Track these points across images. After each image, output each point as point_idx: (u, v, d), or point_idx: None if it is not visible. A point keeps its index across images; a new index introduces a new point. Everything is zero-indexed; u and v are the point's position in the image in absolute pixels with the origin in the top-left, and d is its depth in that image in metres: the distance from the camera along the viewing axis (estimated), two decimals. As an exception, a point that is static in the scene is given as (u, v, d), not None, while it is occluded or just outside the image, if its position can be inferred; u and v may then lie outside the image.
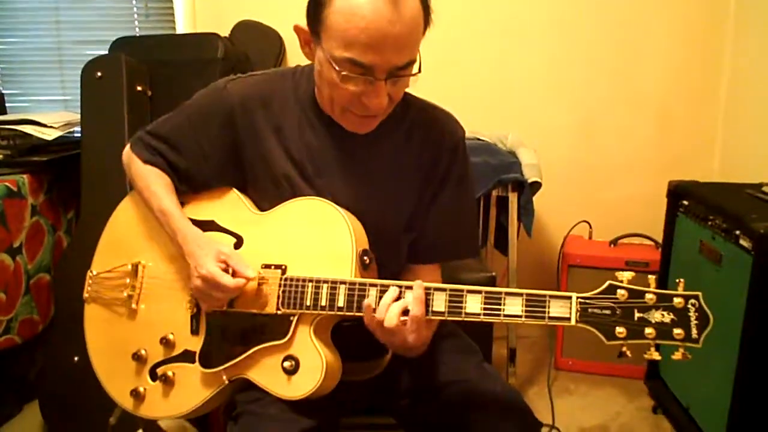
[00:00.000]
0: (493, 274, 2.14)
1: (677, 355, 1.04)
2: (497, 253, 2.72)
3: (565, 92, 2.91)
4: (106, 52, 2.49)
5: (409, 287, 1.14)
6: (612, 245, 2.72)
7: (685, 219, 2.21)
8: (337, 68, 1.11)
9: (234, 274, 1.22)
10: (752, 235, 1.77)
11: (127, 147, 1.42)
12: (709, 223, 2.02)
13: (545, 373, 2.71)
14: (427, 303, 1.13)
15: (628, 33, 2.85)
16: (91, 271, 1.45)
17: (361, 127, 1.23)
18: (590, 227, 2.85)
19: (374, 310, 1.14)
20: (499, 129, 2.70)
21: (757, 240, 1.75)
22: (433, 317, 1.13)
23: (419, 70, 1.16)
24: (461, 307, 1.12)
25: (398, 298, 1.14)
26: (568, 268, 2.67)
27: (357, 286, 1.17)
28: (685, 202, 2.22)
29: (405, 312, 1.13)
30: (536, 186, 2.40)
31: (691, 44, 2.85)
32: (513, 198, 2.42)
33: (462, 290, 1.12)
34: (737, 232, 1.85)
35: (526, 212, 2.41)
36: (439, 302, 1.13)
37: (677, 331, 1.03)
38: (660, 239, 2.43)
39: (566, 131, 2.95)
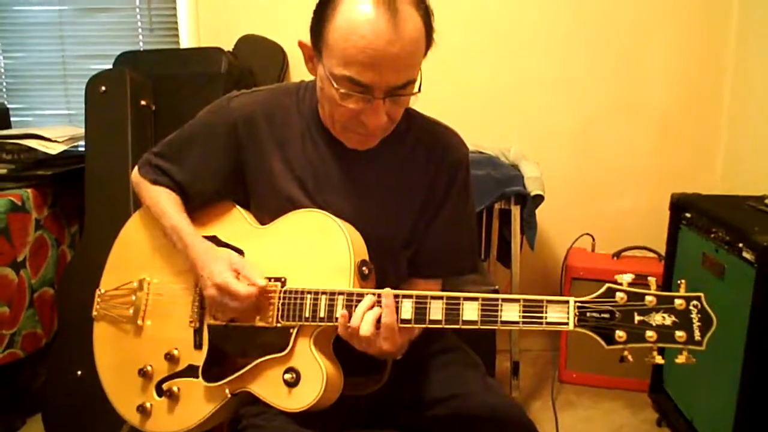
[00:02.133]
0: (497, 287, 2.14)
1: (681, 359, 1.01)
2: (500, 266, 2.72)
3: (567, 105, 2.91)
4: (110, 67, 2.50)
5: (408, 296, 1.14)
6: (615, 258, 2.71)
7: (688, 231, 2.21)
8: (335, 86, 1.12)
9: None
10: (755, 247, 1.77)
11: (135, 170, 1.44)
12: (712, 235, 2.02)
13: (549, 386, 2.70)
14: (424, 311, 1.13)
15: (629, 45, 2.86)
16: (100, 290, 1.46)
17: (361, 144, 1.24)
18: (593, 240, 2.85)
19: (350, 319, 1.15)
20: (502, 142, 2.71)
21: (761, 252, 1.75)
22: (430, 326, 1.13)
23: (419, 90, 1.17)
24: (458, 315, 1.11)
25: (373, 307, 1.14)
26: (571, 281, 2.67)
27: (355, 297, 1.17)
28: (688, 215, 2.22)
29: (379, 320, 1.13)
30: (539, 199, 2.40)
31: (693, 56, 2.85)
32: (516, 211, 2.42)
33: (459, 298, 1.12)
34: (740, 245, 1.85)
35: (529, 225, 2.41)
36: (436, 310, 1.12)
37: (679, 334, 1.01)
38: (663, 252, 2.43)
39: (568, 144, 2.95)
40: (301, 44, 1.21)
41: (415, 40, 1.11)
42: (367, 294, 1.15)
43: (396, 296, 1.14)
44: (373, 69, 1.09)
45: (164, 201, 1.36)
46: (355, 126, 1.19)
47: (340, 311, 1.16)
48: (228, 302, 1.23)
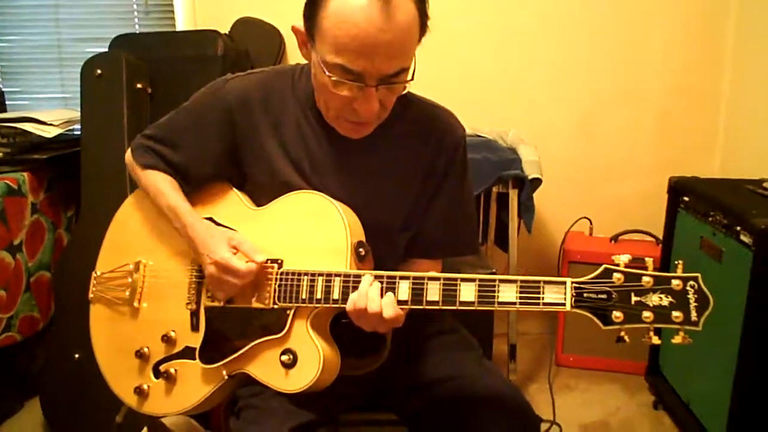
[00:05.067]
0: (494, 270, 2.15)
1: (677, 339, 1.01)
2: (498, 250, 2.72)
3: (566, 88, 2.90)
4: (106, 50, 2.49)
5: (405, 278, 1.14)
6: (612, 241, 2.72)
7: (686, 215, 2.21)
8: (328, 73, 1.11)
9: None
10: (753, 230, 1.77)
11: (129, 151, 1.44)
12: (710, 219, 2.01)
13: (546, 369, 2.71)
14: (421, 292, 1.13)
15: (628, 29, 2.84)
16: (95, 272, 1.46)
17: (354, 133, 1.23)
18: (591, 223, 2.84)
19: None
20: (500, 125, 2.70)
21: (758, 236, 1.75)
22: (428, 307, 1.13)
23: (412, 78, 1.16)
24: (455, 296, 1.11)
25: (372, 284, 1.14)
26: (569, 265, 2.67)
27: (352, 278, 1.16)
28: (686, 198, 2.22)
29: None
30: (537, 182, 2.40)
31: (692, 39, 2.84)
32: (513, 194, 2.42)
33: (456, 279, 1.11)
34: (738, 228, 1.85)
35: (527, 209, 2.41)
36: (433, 291, 1.12)
37: (676, 314, 1.01)
38: (660, 235, 2.43)
39: (567, 127, 2.94)
40: (294, 29, 1.19)
41: (408, 27, 1.09)
42: (364, 275, 1.15)
43: (392, 277, 1.14)
44: (365, 57, 1.08)
45: (160, 181, 1.36)
46: (348, 114, 1.18)
47: (336, 292, 1.16)
48: (228, 279, 1.23)
